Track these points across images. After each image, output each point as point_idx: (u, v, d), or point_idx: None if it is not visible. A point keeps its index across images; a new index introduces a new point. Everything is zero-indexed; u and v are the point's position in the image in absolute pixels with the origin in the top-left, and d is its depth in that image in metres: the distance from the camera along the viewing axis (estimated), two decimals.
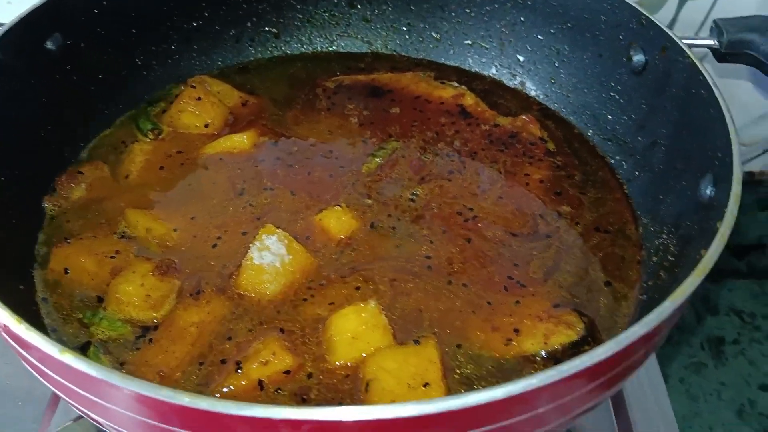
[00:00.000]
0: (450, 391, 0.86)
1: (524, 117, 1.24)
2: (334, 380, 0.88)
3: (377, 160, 1.17)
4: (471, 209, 1.09)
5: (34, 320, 0.92)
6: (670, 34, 1.06)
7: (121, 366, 0.88)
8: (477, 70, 1.36)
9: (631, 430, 1.07)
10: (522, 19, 1.30)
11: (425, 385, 0.83)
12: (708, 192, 0.91)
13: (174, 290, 0.96)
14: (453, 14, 1.35)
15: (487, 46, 1.35)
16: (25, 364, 0.77)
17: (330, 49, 1.41)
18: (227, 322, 0.93)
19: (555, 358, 0.90)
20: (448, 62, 1.38)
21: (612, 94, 1.20)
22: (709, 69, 1.00)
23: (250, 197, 1.10)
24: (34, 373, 0.76)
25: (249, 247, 0.97)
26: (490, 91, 1.32)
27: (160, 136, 1.20)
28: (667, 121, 1.08)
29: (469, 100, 1.27)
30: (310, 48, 1.41)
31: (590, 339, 0.93)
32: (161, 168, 1.15)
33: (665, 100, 1.08)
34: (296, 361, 0.88)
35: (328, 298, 0.96)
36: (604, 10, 1.18)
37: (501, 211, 1.09)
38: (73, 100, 1.15)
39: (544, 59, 1.30)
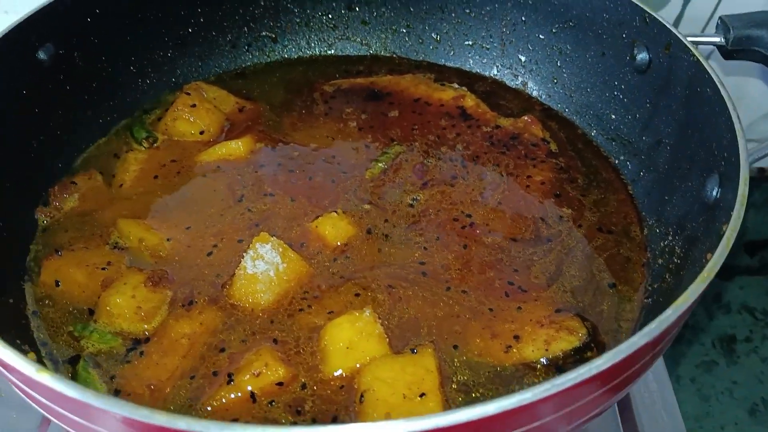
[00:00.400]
0: (447, 400, 0.83)
1: (526, 118, 1.22)
2: (329, 391, 0.85)
3: (381, 164, 1.15)
4: (469, 216, 1.06)
5: (24, 335, 0.90)
6: (674, 31, 1.04)
7: (111, 380, 0.87)
8: (478, 71, 1.34)
9: (636, 430, 1.04)
10: (523, 18, 1.28)
11: (421, 395, 0.81)
12: (714, 192, 0.89)
13: (165, 301, 0.94)
14: (453, 15, 1.33)
15: (488, 47, 1.33)
16: (11, 384, 0.75)
17: (328, 52, 1.39)
18: (219, 333, 0.91)
19: (556, 364, 0.89)
20: (448, 63, 1.36)
21: (616, 93, 1.18)
22: (719, 66, 0.97)
23: (249, 203, 1.08)
24: (19, 393, 0.74)
25: (243, 256, 0.95)
26: (492, 92, 1.30)
27: (154, 145, 1.18)
28: (672, 120, 1.06)
29: (470, 101, 1.25)
30: (309, 52, 1.39)
31: (593, 345, 0.91)
32: (155, 177, 1.13)
33: (670, 99, 1.06)
34: (290, 372, 0.86)
35: (327, 307, 0.94)
36: (606, 8, 1.15)
37: (501, 216, 1.07)
38: (67, 109, 1.13)
39: (546, 59, 1.27)
